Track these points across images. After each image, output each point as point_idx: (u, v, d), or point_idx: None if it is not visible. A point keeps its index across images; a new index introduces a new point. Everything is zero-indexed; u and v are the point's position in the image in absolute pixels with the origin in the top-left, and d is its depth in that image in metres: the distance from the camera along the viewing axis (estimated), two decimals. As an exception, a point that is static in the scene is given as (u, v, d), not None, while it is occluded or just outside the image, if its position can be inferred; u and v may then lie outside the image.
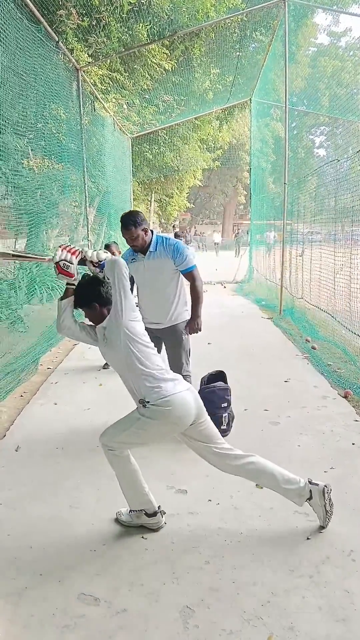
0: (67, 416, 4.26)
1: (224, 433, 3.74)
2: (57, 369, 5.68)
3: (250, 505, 2.83)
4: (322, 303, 7.43)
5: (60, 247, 2.57)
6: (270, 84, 11.31)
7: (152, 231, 3.60)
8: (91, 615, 2.06)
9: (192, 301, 3.76)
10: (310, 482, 2.56)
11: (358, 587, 2.18)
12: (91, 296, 2.53)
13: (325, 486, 2.54)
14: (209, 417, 2.59)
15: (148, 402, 2.43)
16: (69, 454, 3.54)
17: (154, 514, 2.62)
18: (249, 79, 12.20)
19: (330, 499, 2.54)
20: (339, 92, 12.60)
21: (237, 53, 10.85)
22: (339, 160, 7.13)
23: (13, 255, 3.21)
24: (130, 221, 3.43)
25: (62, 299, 2.61)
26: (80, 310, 2.60)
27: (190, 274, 3.68)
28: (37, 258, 3.15)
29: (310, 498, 2.54)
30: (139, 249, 3.55)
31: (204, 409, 2.55)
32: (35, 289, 7.00)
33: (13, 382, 4.88)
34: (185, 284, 3.75)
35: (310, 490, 2.53)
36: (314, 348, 6.27)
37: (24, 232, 6.55)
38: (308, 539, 2.52)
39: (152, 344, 2.60)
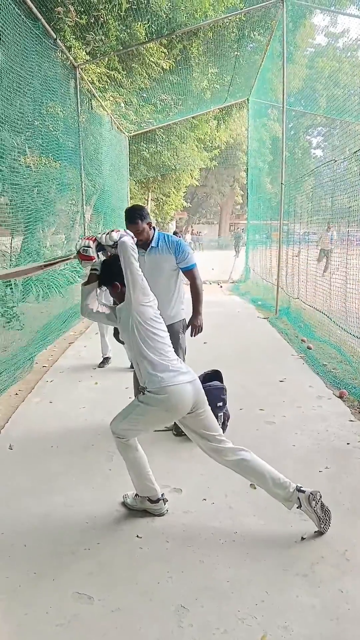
0: (62, 414, 4.25)
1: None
2: (53, 367, 5.67)
3: (245, 505, 2.83)
4: (318, 303, 7.45)
5: (79, 239, 2.67)
6: (268, 84, 11.31)
7: (154, 227, 3.61)
8: (85, 614, 2.06)
9: (192, 299, 3.75)
10: (298, 489, 2.51)
11: (352, 587, 2.19)
12: (112, 275, 2.63)
13: (312, 493, 2.49)
14: (209, 409, 2.63)
15: (145, 388, 2.51)
16: (63, 452, 3.53)
17: (157, 501, 2.72)
18: (247, 78, 12.21)
19: (321, 505, 2.50)
20: (336, 93, 12.61)
21: (235, 53, 10.85)
22: (335, 161, 7.15)
23: (44, 266, 3.27)
24: (136, 214, 3.45)
25: (85, 284, 2.71)
26: (104, 289, 2.74)
27: (190, 272, 3.68)
28: (64, 259, 3.30)
29: (300, 505, 2.51)
30: (142, 243, 3.55)
31: (205, 401, 2.61)
32: (32, 287, 6.99)
33: (8, 380, 4.87)
34: (184, 283, 3.75)
35: (299, 498, 2.50)
36: (309, 348, 6.29)
37: (20, 230, 6.54)
38: (303, 538, 2.52)
39: (165, 331, 2.63)
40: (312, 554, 2.41)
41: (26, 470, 3.27)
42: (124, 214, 3.51)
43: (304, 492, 2.51)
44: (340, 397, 4.57)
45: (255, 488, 2.99)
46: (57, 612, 2.07)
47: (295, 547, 2.45)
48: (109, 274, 2.66)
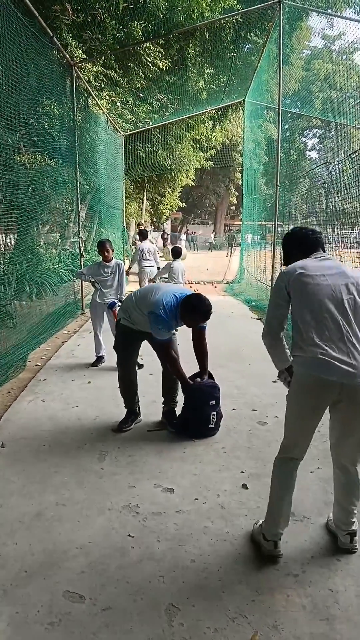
0: (55, 413, 4.24)
1: (212, 432, 3.76)
2: (46, 366, 5.65)
3: (237, 505, 2.84)
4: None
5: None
6: (264, 85, 11.34)
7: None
8: (76, 613, 2.06)
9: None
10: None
11: (342, 587, 2.20)
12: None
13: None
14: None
15: None
16: (56, 451, 3.52)
17: (268, 541, 2.43)
18: (243, 80, 12.23)
19: None
20: (331, 95, 12.69)
21: (232, 54, 10.87)
22: (330, 163, 7.18)
23: None
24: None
25: None
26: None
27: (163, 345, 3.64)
28: None
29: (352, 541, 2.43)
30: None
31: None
32: (25, 285, 6.96)
33: (1, 378, 4.85)
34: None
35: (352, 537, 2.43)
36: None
37: (14, 228, 6.51)
38: (294, 537, 2.53)
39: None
40: (303, 554, 2.42)
41: (18, 469, 3.26)
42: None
43: None
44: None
45: (247, 488, 3.00)
46: (48, 611, 2.06)
47: (286, 547, 2.46)
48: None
